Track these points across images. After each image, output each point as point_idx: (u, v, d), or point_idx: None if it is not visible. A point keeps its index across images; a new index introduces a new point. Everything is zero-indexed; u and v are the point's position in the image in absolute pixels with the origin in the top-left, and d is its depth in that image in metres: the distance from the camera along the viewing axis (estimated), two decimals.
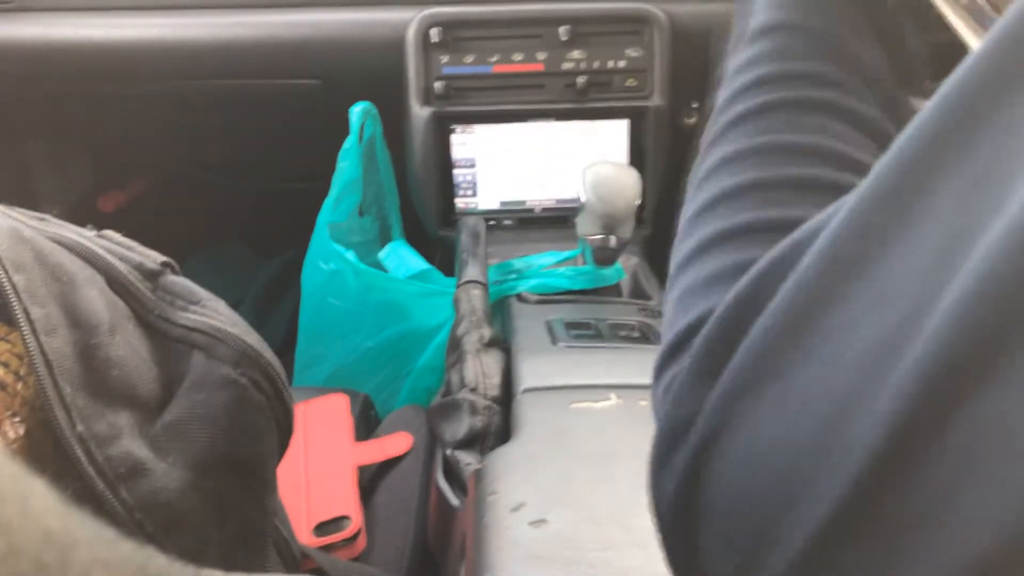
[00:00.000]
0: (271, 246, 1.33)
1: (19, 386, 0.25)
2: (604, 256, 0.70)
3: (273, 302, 1.24)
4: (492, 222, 0.93)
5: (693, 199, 0.28)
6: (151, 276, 0.31)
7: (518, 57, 0.88)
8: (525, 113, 0.89)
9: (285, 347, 0.85)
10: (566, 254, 0.77)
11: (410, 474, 0.61)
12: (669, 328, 0.26)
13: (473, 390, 0.54)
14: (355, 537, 0.55)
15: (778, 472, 0.19)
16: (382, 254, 0.86)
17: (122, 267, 0.30)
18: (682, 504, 0.23)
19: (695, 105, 0.99)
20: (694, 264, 0.27)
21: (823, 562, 0.18)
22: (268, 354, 0.33)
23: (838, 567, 0.18)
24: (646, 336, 0.62)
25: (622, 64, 0.89)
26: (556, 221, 0.93)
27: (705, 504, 0.22)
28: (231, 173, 1.25)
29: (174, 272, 0.32)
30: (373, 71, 0.90)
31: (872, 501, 0.17)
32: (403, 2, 0.89)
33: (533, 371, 0.54)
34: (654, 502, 0.25)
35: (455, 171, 0.91)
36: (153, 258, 0.32)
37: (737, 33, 0.32)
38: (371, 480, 0.61)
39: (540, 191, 0.93)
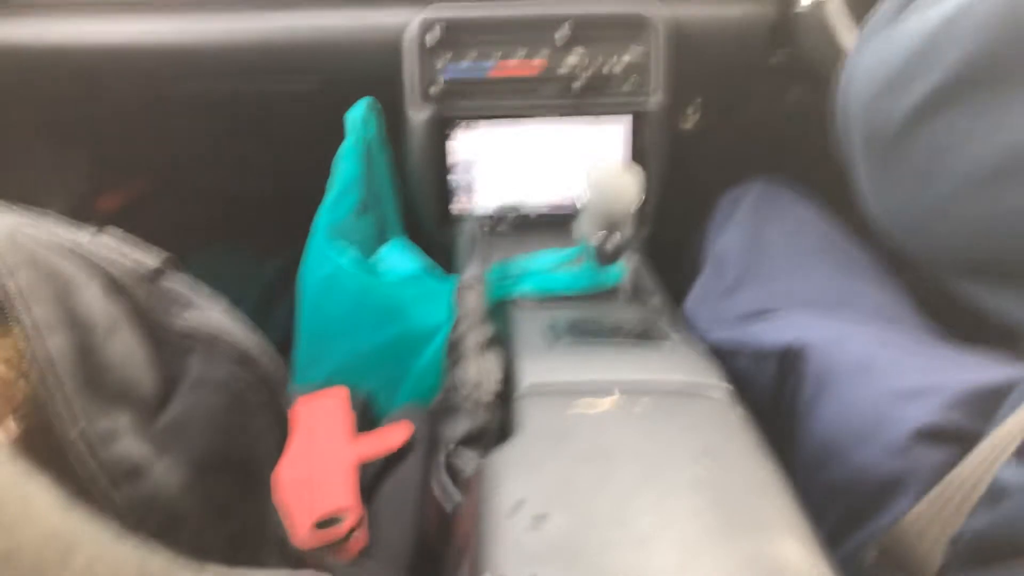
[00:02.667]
0: (271, 246, 1.32)
1: (20, 385, 0.25)
2: (605, 256, 0.70)
3: (273, 302, 1.24)
4: (491, 223, 0.93)
5: None
6: (151, 276, 0.31)
7: (518, 57, 0.88)
8: (525, 113, 0.90)
9: (285, 347, 0.85)
10: (566, 254, 0.78)
11: (410, 473, 0.61)
12: None
13: (473, 390, 0.54)
14: (354, 533, 0.55)
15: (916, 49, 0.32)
16: (381, 253, 0.86)
17: (121, 267, 0.30)
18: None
19: (696, 105, 0.99)
20: None
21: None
22: (268, 354, 0.33)
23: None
24: (646, 335, 0.62)
25: (622, 65, 0.89)
26: (556, 221, 0.93)
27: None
28: (231, 173, 1.25)
29: (176, 269, 0.32)
30: (373, 71, 0.90)
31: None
32: (403, 2, 0.89)
33: (533, 370, 0.54)
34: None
35: (454, 172, 0.91)
36: (153, 258, 0.32)
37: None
38: (371, 479, 0.61)
39: (540, 192, 0.93)
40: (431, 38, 0.86)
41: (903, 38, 0.33)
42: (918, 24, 0.32)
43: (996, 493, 0.43)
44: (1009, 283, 0.31)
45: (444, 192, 0.92)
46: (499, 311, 0.70)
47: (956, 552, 0.44)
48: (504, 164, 0.92)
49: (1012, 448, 0.44)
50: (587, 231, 0.70)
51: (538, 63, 0.88)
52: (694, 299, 0.82)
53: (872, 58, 0.35)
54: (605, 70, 0.88)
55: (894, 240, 0.36)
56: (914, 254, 0.35)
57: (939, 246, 0.33)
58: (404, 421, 0.64)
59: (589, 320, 0.65)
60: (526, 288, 0.72)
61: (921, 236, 0.34)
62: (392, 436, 0.63)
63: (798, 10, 0.82)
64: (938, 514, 0.45)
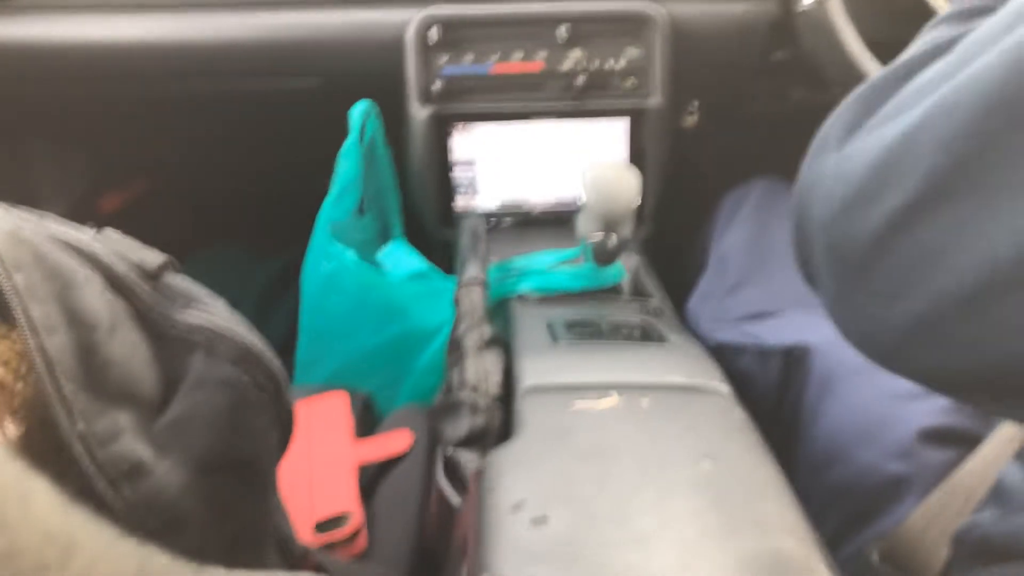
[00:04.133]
0: (271, 246, 1.32)
1: (19, 385, 0.25)
2: (604, 256, 0.70)
3: (273, 302, 1.24)
4: (492, 222, 0.93)
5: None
6: (151, 275, 0.31)
7: (518, 57, 0.88)
8: (525, 113, 0.89)
9: (285, 347, 0.85)
10: (566, 254, 0.77)
11: (410, 473, 0.61)
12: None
13: (474, 389, 0.54)
14: (356, 536, 0.55)
15: (877, 165, 0.30)
16: (382, 253, 0.86)
17: (122, 266, 0.30)
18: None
19: (695, 105, 0.99)
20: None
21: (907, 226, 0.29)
22: (268, 353, 0.33)
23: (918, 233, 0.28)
24: (646, 335, 0.62)
25: (622, 64, 0.89)
26: (556, 221, 0.93)
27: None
28: (231, 173, 1.25)
29: (174, 270, 0.32)
30: (373, 70, 0.90)
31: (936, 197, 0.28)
32: (403, 2, 0.89)
33: (534, 370, 0.54)
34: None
35: (455, 171, 0.91)
36: (153, 257, 0.32)
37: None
38: (371, 479, 0.61)
39: (540, 191, 0.93)
40: (431, 37, 0.86)
41: (860, 155, 0.31)
42: (875, 141, 0.31)
43: (998, 494, 0.43)
44: (1002, 397, 0.29)
45: (445, 191, 0.92)
46: (499, 310, 0.70)
47: (959, 552, 0.44)
48: (504, 163, 0.92)
49: (1013, 449, 0.44)
50: (586, 231, 0.70)
51: (538, 62, 0.88)
52: (697, 298, 0.82)
53: (828, 178, 0.34)
54: (606, 68, 0.88)
55: (870, 358, 0.34)
56: (893, 371, 0.33)
57: (920, 363, 0.31)
58: (405, 428, 0.64)
59: (589, 320, 0.65)
60: (526, 287, 0.71)
61: (899, 353, 0.31)
62: (393, 442, 0.63)
63: (800, 8, 0.81)
64: (941, 515, 0.45)
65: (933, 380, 0.31)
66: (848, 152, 0.33)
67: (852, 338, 0.34)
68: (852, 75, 0.75)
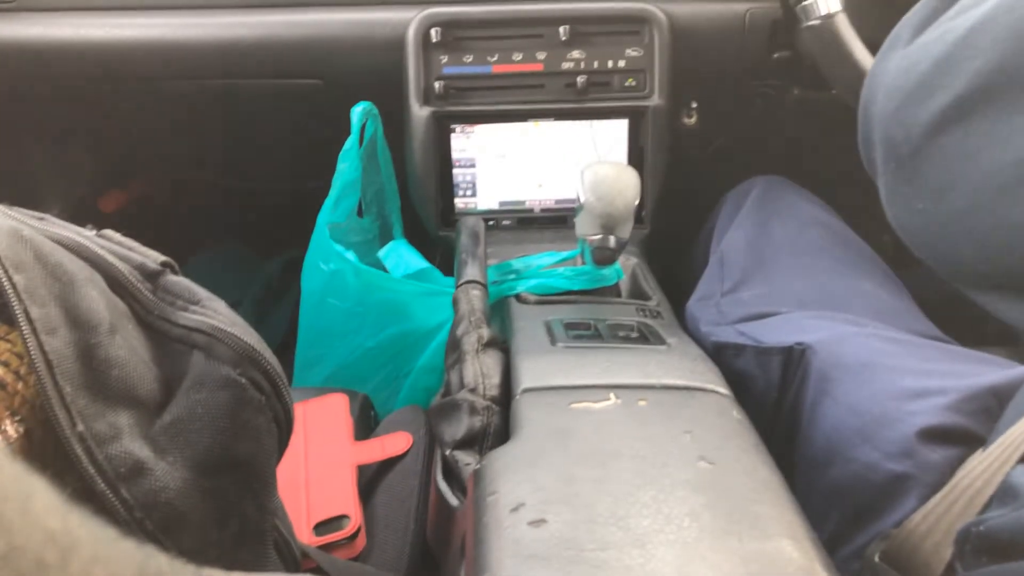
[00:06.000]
0: (271, 246, 1.33)
1: (19, 386, 0.25)
2: (603, 256, 0.70)
3: (273, 302, 1.24)
4: (491, 222, 0.93)
5: None
6: (151, 276, 0.31)
7: (518, 57, 0.88)
8: (525, 113, 0.90)
9: (285, 347, 0.85)
10: (565, 254, 0.77)
11: (410, 474, 0.61)
12: None
13: (472, 390, 0.54)
14: (354, 536, 0.55)
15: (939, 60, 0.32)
16: (382, 253, 0.86)
17: (122, 267, 0.30)
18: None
19: (695, 105, 0.99)
20: None
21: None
22: (268, 354, 0.33)
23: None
24: (645, 336, 0.62)
25: (622, 64, 0.89)
26: (556, 221, 0.93)
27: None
28: (231, 173, 1.25)
29: (174, 272, 0.32)
30: (373, 71, 0.90)
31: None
32: (403, 2, 0.89)
33: (532, 371, 0.54)
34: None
35: (455, 171, 0.91)
36: (153, 258, 0.32)
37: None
38: (371, 480, 0.61)
39: (540, 191, 0.93)
40: (432, 37, 0.86)
41: (923, 52, 0.34)
42: (938, 38, 0.33)
43: (1005, 494, 0.43)
44: (1005, 287, 0.31)
45: (445, 191, 0.92)
46: (498, 311, 0.70)
47: (961, 549, 0.44)
48: (504, 163, 0.92)
49: (1022, 451, 0.43)
50: (585, 231, 0.70)
51: (539, 61, 0.88)
52: (697, 297, 0.82)
53: (893, 72, 0.36)
54: (606, 68, 0.88)
55: (916, 252, 0.36)
56: (935, 266, 0.35)
57: (958, 258, 0.33)
58: (403, 432, 0.64)
59: (588, 321, 0.65)
60: (525, 287, 0.71)
61: (940, 248, 0.34)
62: (392, 444, 0.63)
63: (806, 24, 0.80)
64: (945, 514, 0.45)
65: (971, 273, 0.34)
66: (915, 47, 0.35)
67: (902, 232, 0.37)
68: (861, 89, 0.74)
